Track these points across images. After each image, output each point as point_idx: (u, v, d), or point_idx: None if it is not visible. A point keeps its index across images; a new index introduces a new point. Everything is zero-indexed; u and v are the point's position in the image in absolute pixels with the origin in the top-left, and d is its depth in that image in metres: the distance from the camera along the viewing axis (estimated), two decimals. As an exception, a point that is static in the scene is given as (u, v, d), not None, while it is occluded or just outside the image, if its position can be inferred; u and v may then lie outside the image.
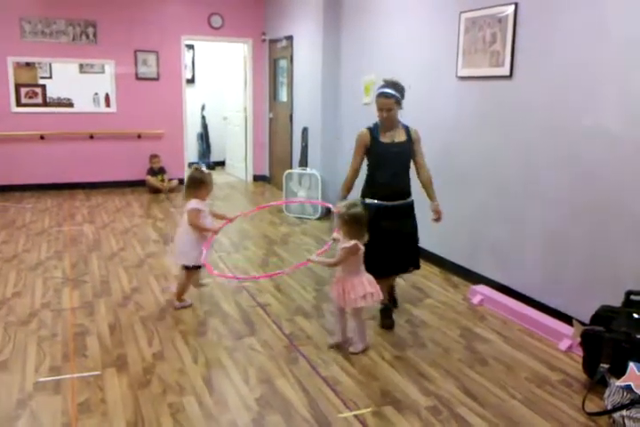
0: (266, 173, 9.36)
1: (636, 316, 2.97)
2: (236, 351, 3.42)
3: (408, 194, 3.79)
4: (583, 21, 3.59)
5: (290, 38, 7.89)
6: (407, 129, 3.77)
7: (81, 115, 8.33)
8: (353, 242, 3.27)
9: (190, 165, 9.57)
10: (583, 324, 3.24)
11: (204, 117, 10.64)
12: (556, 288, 3.88)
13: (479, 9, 4.41)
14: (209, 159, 10.78)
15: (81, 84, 8.36)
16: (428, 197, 3.82)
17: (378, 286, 3.39)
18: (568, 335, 3.49)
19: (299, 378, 3.12)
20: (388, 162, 3.70)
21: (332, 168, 7.01)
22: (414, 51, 5.32)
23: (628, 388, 2.65)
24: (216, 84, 10.48)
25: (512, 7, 4.09)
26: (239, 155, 9.66)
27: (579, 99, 3.65)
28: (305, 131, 7.46)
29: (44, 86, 8.21)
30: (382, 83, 3.74)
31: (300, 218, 6.86)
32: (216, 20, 8.66)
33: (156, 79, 8.53)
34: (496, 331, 3.79)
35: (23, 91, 8.06)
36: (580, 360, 3.22)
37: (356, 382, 3.09)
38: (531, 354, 3.47)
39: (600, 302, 3.22)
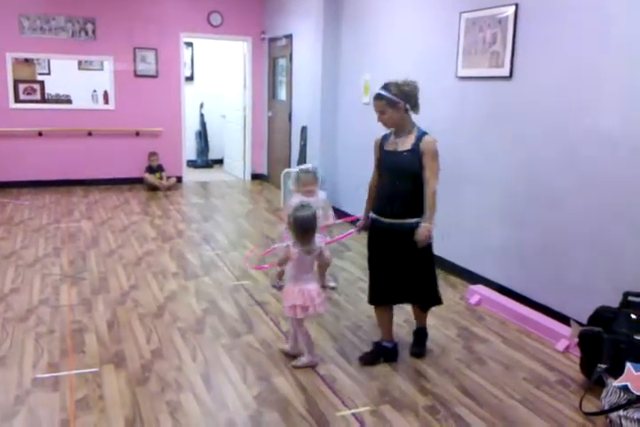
0: (264, 171, 9.35)
1: (633, 316, 2.98)
2: (234, 349, 3.42)
3: (407, 213, 3.14)
4: (583, 22, 3.60)
5: (289, 37, 7.89)
6: (419, 137, 3.17)
7: (79, 111, 8.31)
8: (285, 244, 3.13)
9: (189, 163, 9.59)
10: (581, 324, 3.25)
11: (202, 115, 10.62)
12: (554, 289, 3.89)
13: (479, 9, 4.42)
14: (207, 157, 10.77)
15: (79, 81, 8.34)
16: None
17: (317, 299, 3.13)
18: (566, 336, 3.50)
19: (297, 376, 3.12)
20: (385, 172, 3.28)
21: (330, 167, 7.01)
22: (414, 50, 5.32)
23: (625, 388, 2.66)
24: (215, 82, 10.46)
25: (512, 8, 4.10)
26: (237, 153, 9.65)
27: (579, 100, 3.65)
28: (304, 130, 7.46)
29: (42, 83, 8.19)
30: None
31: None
32: (215, 18, 8.65)
33: (155, 77, 8.52)
34: (494, 331, 3.80)
35: (21, 87, 8.04)
36: (578, 361, 3.24)
37: (354, 381, 3.09)
38: (528, 354, 3.48)
39: (598, 303, 3.23)
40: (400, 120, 3.22)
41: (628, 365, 2.73)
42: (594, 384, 2.93)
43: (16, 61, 7.99)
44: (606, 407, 2.71)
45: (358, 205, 6.49)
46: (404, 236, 3.12)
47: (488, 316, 4.06)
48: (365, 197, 3.44)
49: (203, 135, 10.72)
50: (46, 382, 2.98)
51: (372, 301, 3.37)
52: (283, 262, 3.15)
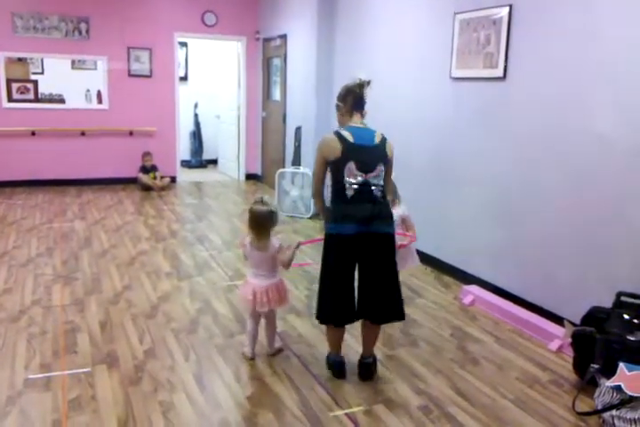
0: (258, 171, 9.34)
1: (626, 317, 2.99)
2: (227, 349, 3.41)
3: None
4: (577, 23, 3.61)
5: (284, 37, 7.88)
6: None
7: (73, 111, 8.28)
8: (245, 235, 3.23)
9: (183, 163, 9.57)
10: (574, 324, 3.26)
11: (196, 115, 10.61)
12: (547, 289, 3.90)
13: (474, 10, 4.43)
14: (201, 158, 10.76)
15: (73, 81, 8.30)
16: None
17: (263, 297, 3.16)
18: (559, 336, 3.51)
19: (290, 376, 3.12)
20: None
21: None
22: (408, 51, 5.32)
23: (618, 388, 2.67)
24: (209, 82, 10.45)
25: (506, 9, 4.11)
26: (232, 153, 9.63)
27: (572, 100, 3.67)
28: (298, 130, 7.45)
29: (35, 82, 8.15)
30: None
31: (292, 217, 6.86)
32: (210, 18, 8.64)
33: (149, 76, 8.49)
34: (487, 331, 3.81)
35: (15, 86, 8.00)
36: (571, 361, 3.24)
37: (348, 381, 3.09)
38: (521, 354, 3.49)
39: (591, 303, 3.24)
40: (340, 119, 3.15)
41: (621, 365, 2.74)
42: (587, 384, 2.95)
43: (9, 61, 7.95)
44: (599, 407, 2.72)
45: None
46: None
47: (481, 316, 4.07)
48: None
49: (197, 135, 10.71)
50: (38, 382, 2.96)
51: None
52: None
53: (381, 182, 2.95)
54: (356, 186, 2.90)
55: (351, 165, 2.89)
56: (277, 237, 3.23)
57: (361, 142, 2.93)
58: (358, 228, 2.90)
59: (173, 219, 6.65)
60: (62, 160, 8.30)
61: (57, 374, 3.04)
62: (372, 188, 2.92)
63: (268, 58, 8.67)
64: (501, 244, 4.31)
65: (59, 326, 3.64)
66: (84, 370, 3.09)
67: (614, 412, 2.62)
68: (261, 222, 3.15)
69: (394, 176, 3.77)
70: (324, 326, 3.74)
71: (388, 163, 3.00)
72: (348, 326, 3.14)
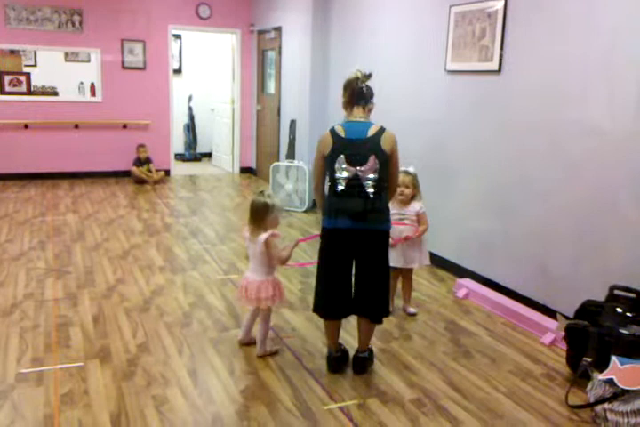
0: (252, 165, 9.31)
1: (619, 310, 3.00)
2: (221, 343, 3.40)
3: None
4: (572, 16, 3.60)
5: (278, 29, 7.84)
6: None
7: (66, 104, 8.22)
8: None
9: (177, 156, 9.54)
10: (567, 318, 3.27)
11: (190, 108, 10.56)
12: (541, 282, 3.91)
13: (469, 3, 4.41)
14: (195, 151, 10.72)
15: (66, 73, 8.25)
16: None
17: (252, 293, 3.17)
18: (552, 329, 3.52)
19: (284, 370, 3.11)
20: None
21: (319, 161, 6.99)
22: (404, 44, 5.30)
23: (611, 381, 2.68)
24: (203, 74, 10.40)
25: (502, 2, 4.09)
26: (226, 147, 9.60)
27: (567, 93, 3.66)
28: (293, 123, 7.43)
29: (28, 74, 8.10)
30: None
31: (287, 210, 6.84)
32: (204, 10, 8.58)
33: (143, 69, 8.44)
34: (481, 324, 3.81)
35: (7, 79, 7.95)
36: (564, 354, 3.26)
37: (342, 375, 3.09)
38: (515, 348, 3.49)
39: (584, 297, 3.25)
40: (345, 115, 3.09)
41: (614, 358, 2.74)
42: (579, 377, 2.96)
43: (1, 53, 7.90)
44: (592, 400, 2.73)
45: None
46: None
47: (475, 309, 4.07)
48: None
49: (191, 128, 10.66)
50: (30, 376, 2.95)
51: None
52: None
53: (375, 176, 2.87)
54: (346, 180, 2.88)
55: (341, 159, 2.88)
56: (271, 232, 3.17)
57: (351, 136, 2.90)
58: (349, 222, 2.90)
59: (167, 212, 6.63)
60: (55, 153, 8.26)
61: (49, 369, 3.03)
62: (364, 182, 2.87)
63: (262, 50, 8.63)
64: (495, 237, 4.31)
65: (51, 320, 3.63)
66: (77, 364, 3.08)
67: (607, 405, 2.63)
68: (255, 213, 3.16)
69: (413, 170, 3.73)
70: (317, 320, 3.74)
71: (384, 156, 2.89)
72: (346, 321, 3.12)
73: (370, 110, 3.03)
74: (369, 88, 3.04)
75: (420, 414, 2.75)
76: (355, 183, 2.88)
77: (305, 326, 3.67)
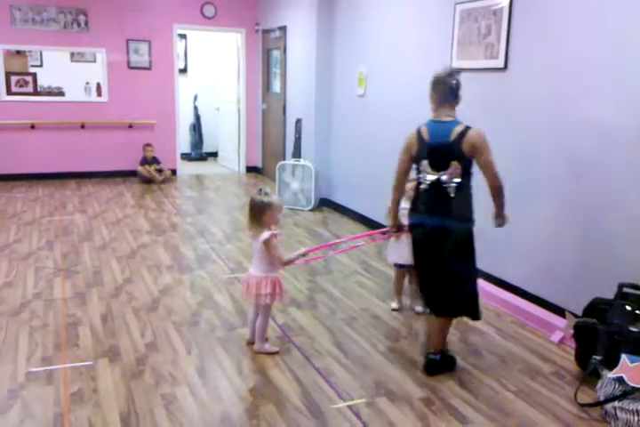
0: (259, 164, 9.32)
1: (628, 308, 2.99)
2: (229, 342, 3.41)
3: None
4: (578, 13, 3.58)
5: (283, 29, 7.83)
6: None
7: (72, 104, 8.24)
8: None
9: (183, 155, 9.55)
10: (576, 316, 3.26)
11: (196, 108, 10.57)
12: (549, 281, 3.89)
13: (474, 0, 4.39)
14: (201, 150, 10.73)
15: (72, 73, 8.26)
16: None
17: (253, 289, 3.20)
18: (561, 327, 3.51)
19: (292, 369, 3.12)
20: None
21: (325, 160, 6.99)
22: (409, 42, 5.29)
23: (620, 380, 2.67)
24: (209, 74, 10.40)
25: (508, -1, 4.08)
26: (232, 146, 9.61)
27: (573, 91, 3.64)
28: (298, 122, 7.43)
29: (34, 75, 8.12)
30: None
31: (293, 209, 6.84)
32: (209, 10, 8.59)
33: (149, 68, 8.45)
34: (489, 323, 3.80)
35: (14, 79, 7.97)
36: (573, 352, 3.24)
37: (350, 373, 3.09)
38: (524, 346, 3.49)
39: (593, 295, 3.23)
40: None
41: (624, 356, 2.73)
42: (589, 376, 2.95)
43: (8, 53, 7.91)
44: (601, 399, 2.73)
45: (352, 198, 6.50)
46: None
47: (483, 308, 4.04)
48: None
49: (197, 128, 10.67)
50: (40, 375, 2.96)
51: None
52: None
53: (457, 180, 2.93)
54: (428, 182, 2.98)
55: (424, 163, 2.99)
56: (272, 232, 3.15)
57: (435, 140, 2.95)
58: (428, 220, 3.02)
59: (174, 212, 6.64)
60: (62, 153, 8.28)
61: (59, 368, 3.04)
62: (444, 185, 2.93)
63: (267, 50, 8.63)
64: (503, 235, 4.29)
65: (60, 320, 3.64)
66: (86, 363, 3.10)
67: (616, 403, 2.62)
68: (253, 212, 3.18)
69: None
70: (325, 319, 3.75)
71: (465, 159, 2.92)
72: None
73: (454, 107, 3.05)
74: (459, 83, 3.05)
75: (430, 412, 2.75)
76: (437, 186, 2.96)
77: (313, 325, 3.67)
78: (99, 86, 8.34)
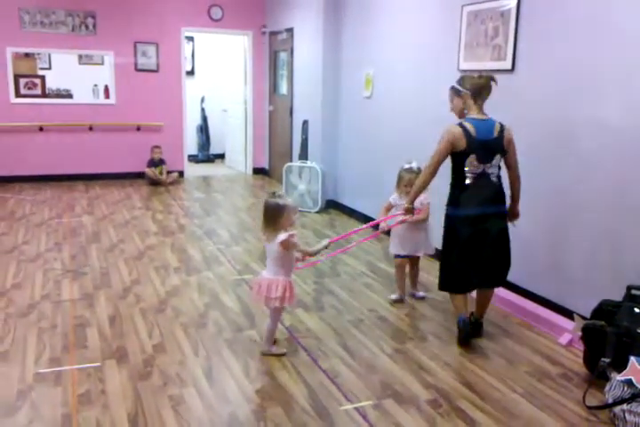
0: (265, 165, 9.34)
1: (637, 310, 2.97)
2: (236, 344, 3.41)
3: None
4: (585, 15, 3.57)
5: (290, 31, 7.85)
6: None
7: (80, 106, 8.29)
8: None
9: (190, 157, 9.58)
10: (584, 318, 3.24)
11: (203, 110, 10.60)
12: (557, 282, 3.88)
13: (482, 2, 4.39)
14: (208, 152, 10.76)
15: (80, 76, 8.31)
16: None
17: (263, 292, 3.21)
18: (569, 329, 3.49)
19: (299, 370, 3.12)
20: None
21: (332, 161, 7.00)
22: (416, 44, 5.29)
23: (629, 382, 2.66)
24: (216, 76, 10.43)
25: (515, 1, 4.07)
26: (239, 147, 9.63)
27: (580, 91, 3.63)
28: (305, 124, 7.43)
29: (43, 77, 8.17)
30: None
31: (300, 211, 6.84)
32: (216, 12, 8.61)
33: (156, 71, 8.49)
34: (496, 325, 3.79)
35: (22, 82, 8.02)
36: (581, 354, 3.23)
37: (357, 375, 3.09)
38: (531, 348, 3.47)
39: (601, 297, 3.22)
40: (458, 107, 3.46)
41: (632, 359, 2.72)
42: (597, 378, 2.93)
43: (16, 56, 7.97)
44: (610, 401, 2.71)
45: (359, 200, 6.50)
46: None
47: (490, 310, 4.04)
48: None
49: (204, 130, 10.70)
50: (48, 376, 2.97)
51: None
52: None
53: (497, 170, 3.35)
54: (475, 175, 3.30)
55: (472, 158, 3.27)
56: (290, 232, 3.15)
57: (482, 137, 3.26)
58: (479, 209, 3.35)
59: (181, 213, 6.66)
60: (70, 155, 8.32)
61: (67, 369, 3.05)
62: (489, 176, 3.32)
63: (274, 52, 8.65)
64: (510, 236, 4.28)
65: (68, 321, 3.66)
66: (94, 365, 3.11)
67: (625, 406, 2.61)
68: (268, 215, 3.17)
69: (416, 167, 3.91)
70: (331, 321, 3.75)
71: (504, 152, 3.34)
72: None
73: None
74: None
75: (437, 414, 2.74)
76: (482, 177, 3.31)
77: (319, 327, 3.67)
78: (106, 89, 8.38)
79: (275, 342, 3.35)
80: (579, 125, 3.66)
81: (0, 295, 4.06)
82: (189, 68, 10.13)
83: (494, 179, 3.34)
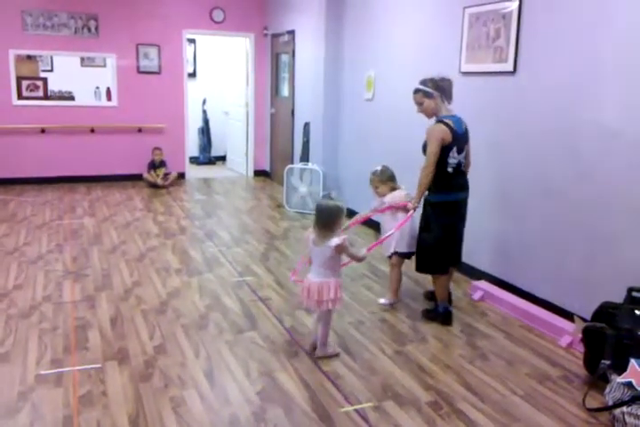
0: (267, 168, 9.35)
1: (637, 312, 2.97)
2: (237, 345, 3.42)
3: (430, 189, 3.72)
4: (588, 16, 3.58)
5: (292, 33, 7.87)
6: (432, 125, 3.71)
7: (82, 108, 8.31)
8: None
9: (192, 159, 9.59)
10: (584, 320, 3.24)
11: (205, 112, 10.61)
12: (557, 284, 3.88)
13: (483, 4, 4.40)
14: (210, 154, 10.77)
15: (82, 78, 8.35)
16: None
17: (314, 295, 3.21)
18: (569, 332, 3.50)
19: (300, 372, 3.12)
20: None
21: (333, 163, 7.00)
22: (417, 46, 5.30)
23: (629, 384, 2.66)
24: (217, 78, 10.45)
25: (516, 3, 4.08)
26: (240, 150, 9.64)
27: (582, 94, 3.64)
28: (307, 126, 7.44)
29: (45, 79, 8.20)
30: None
31: (301, 213, 6.85)
32: (218, 15, 8.64)
33: (158, 73, 8.51)
34: (497, 327, 3.80)
35: (24, 84, 8.05)
36: (581, 356, 3.23)
37: (357, 377, 3.09)
38: (531, 350, 3.48)
39: (602, 299, 3.22)
40: (430, 108, 3.75)
41: (632, 361, 2.72)
42: (597, 380, 2.94)
43: (19, 58, 8.00)
44: (610, 403, 2.71)
45: (360, 201, 6.50)
46: (424, 207, 3.81)
47: (491, 312, 4.05)
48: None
49: (205, 132, 10.71)
50: (49, 378, 2.98)
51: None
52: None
53: (464, 160, 3.74)
54: (454, 164, 3.66)
55: (454, 149, 3.62)
56: (343, 237, 3.15)
57: (459, 131, 3.66)
58: (462, 195, 3.77)
59: (182, 215, 6.67)
60: (72, 157, 8.34)
61: (68, 370, 3.06)
62: (461, 165, 3.72)
63: (276, 54, 8.66)
64: (511, 239, 4.29)
65: (69, 322, 3.67)
66: (95, 366, 3.11)
67: (625, 408, 2.61)
68: (326, 217, 3.17)
69: (379, 168, 4.19)
70: (332, 323, 3.74)
71: (468, 142, 3.79)
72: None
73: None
74: None
75: (437, 416, 2.75)
76: (459, 166, 3.70)
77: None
78: (108, 91, 8.41)
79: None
80: (579, 127, 3.67)
81: (1, 297, 4.07)
82: (191, 71, 10.16)
83: (462, 168, 3.75)
